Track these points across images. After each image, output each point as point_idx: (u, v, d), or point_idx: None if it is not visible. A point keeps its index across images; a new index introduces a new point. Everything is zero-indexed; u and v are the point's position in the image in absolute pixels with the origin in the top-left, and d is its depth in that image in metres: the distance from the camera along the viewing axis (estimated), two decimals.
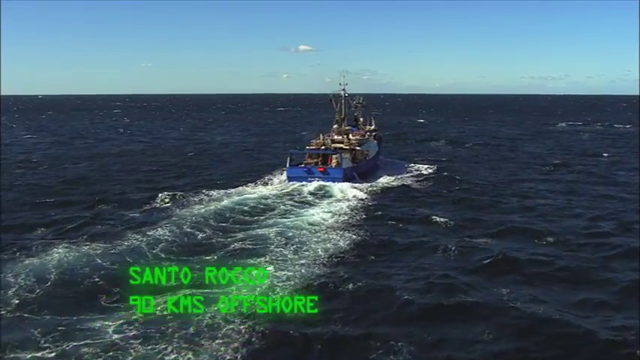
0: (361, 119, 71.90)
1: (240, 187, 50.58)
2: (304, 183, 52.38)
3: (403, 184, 53.50)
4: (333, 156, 56.62)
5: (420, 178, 57.61)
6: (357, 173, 56.75)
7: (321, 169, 54.82)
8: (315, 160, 58.23)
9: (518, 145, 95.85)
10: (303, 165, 57.10)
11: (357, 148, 61.51)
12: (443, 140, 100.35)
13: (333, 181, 52.90)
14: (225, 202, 42.68)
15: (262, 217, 37.70)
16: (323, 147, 59.49)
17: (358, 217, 38.33)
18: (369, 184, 53.57)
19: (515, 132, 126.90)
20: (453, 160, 73.21)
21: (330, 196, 46.67)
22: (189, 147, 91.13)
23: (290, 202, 43.22)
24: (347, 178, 54.19)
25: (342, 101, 65.33)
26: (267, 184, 54.15)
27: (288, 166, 55.73)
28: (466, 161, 72.54)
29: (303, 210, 40.27)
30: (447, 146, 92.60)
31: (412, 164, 68.41)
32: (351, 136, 63.56)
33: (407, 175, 60.15)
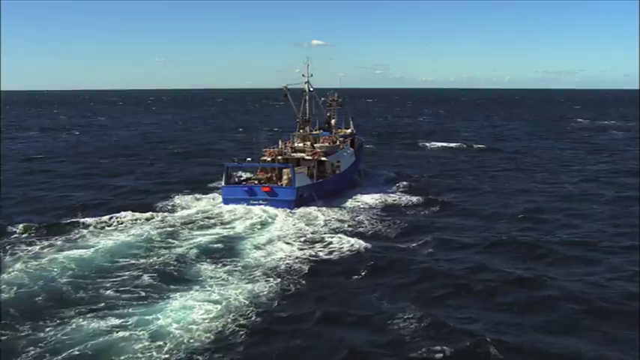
0: (333, 121, 56.19)
1: (129, 216, 35.53)
2: (245, 206, 39.33)
3: (374, 219, 37.45)
4: (284, 170, 41.97)
5: (402, 205, 42.29)
6: (319, 193, 41.91)
7: (267, 189, 40.66)
8: (270, 174, 43.53)
9: (538, 148, 79.05)
10: (244, 183, 42.61)
11: (324, 159, 46.25)
12: (444, 142, 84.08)
13: (283, 206, 39.20)
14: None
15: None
16: (279, 158, 44.50)
17: (265, 315, 21.39)
18: (328, 213, 38.28)
19: (532, 130, 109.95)
20: (452, 174, 57.39)
21: (237, 256, 28.49)
22: (122, 147, 78.62)
23: (156, 269, 25.57)
24: (301, 200, 40.16)
25: (307, 98, 49.93)
26: (179, 208, 39.94)
27: (223, 183, 41.52)
28: (468, 175, 56.57)
29: (160, 300, 22.39)
30: (447, 151, 76.35)
31: (399, 179, 53.51)
32: (317, 144, 48.21)
33: (385, 197, 44.60)
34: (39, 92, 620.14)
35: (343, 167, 48.92)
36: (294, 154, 46.41)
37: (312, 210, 38.95)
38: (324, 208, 39.51)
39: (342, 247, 29.93)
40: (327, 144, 49.15)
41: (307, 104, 50.43)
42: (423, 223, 36.43)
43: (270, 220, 36.16)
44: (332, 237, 31.61)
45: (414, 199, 43.63)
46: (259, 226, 34.54)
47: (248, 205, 40.13)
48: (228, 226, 34.28)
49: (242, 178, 44.64)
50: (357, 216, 37.84)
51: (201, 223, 34.93)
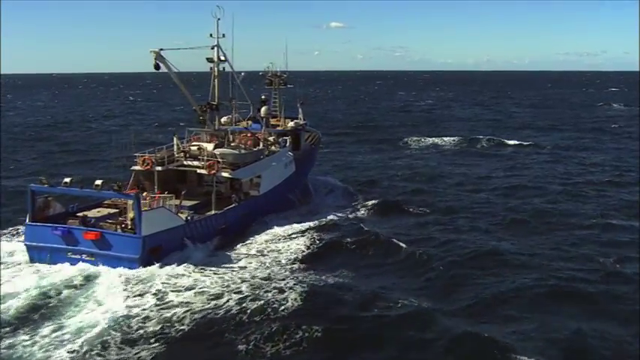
0: (264, 109, 37.30)
1: None
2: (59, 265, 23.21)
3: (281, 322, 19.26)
4: (129, 202, 24.88)
5: (345, 264, 24.86)
6: (203, 236, 25.95)
7: (93, 236, 23.35)
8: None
9: (570, 147, 58.65)
10: (67, 221, 24.97)
11: (226, 174, 28.17)
12: (437, 137, 64.16)
13: (123, 266, 23.06)
14: None
15: None
16: (159, 168, 28.25)
17: None
18: (199, 281, 22.10)
19: (554, 118, 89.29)
20: (434, 190, 38.87)
21: None
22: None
23: None
24: (159, 254, 23.78)
25: (216, 72, 31.57)
26: None
27: (28, 220, 24.65)
28: (461, 194, 37.72)
29: None
30: (437, 150, 57.22)
31: (356, 196, 36.68)
32: (222, 149, 30.02)
33: (322, 237, 27.87)
34: (46, 75, 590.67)
35: (267, 185, 31.16)
36: (189, 162, 29.51)
37: (157, 287, 21.30)
38: (193, 274, 22.49)
39: None
40: (237, 149, 30.55)
41: (216, 81, 31.95)
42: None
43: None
44: None
45: (370, 240, 26.86)
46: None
47: (64, 262, 23.24)
48: None
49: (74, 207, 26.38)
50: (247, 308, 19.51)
51: None
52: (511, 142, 59.96)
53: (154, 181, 28.10)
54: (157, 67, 28.37)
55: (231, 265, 23.77)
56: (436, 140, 62.09)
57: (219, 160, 29.09)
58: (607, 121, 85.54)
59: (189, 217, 26.06)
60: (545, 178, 42.81)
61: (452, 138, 62.71)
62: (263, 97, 38.97)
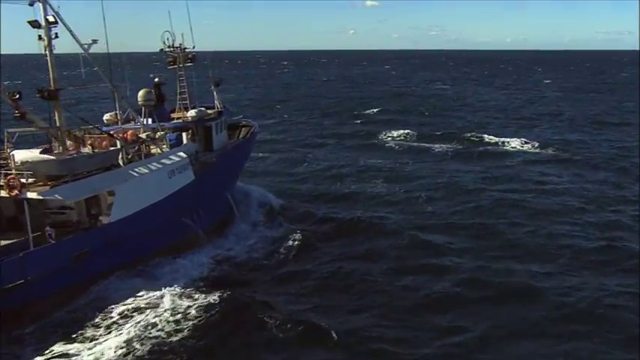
0: (140, 95, 26.32)
1: None
2: None
3: None
4: None
5: None
6: None
7: None
8: None
9: (609, 161, 41.06)
10: None
11: (33, 195, 18.60)
12: (430, 136, 49.75)
13: None
14: None
15: None
16: None
17: None
18: None
19: (592, 108, 73.54)
20: (378, 240, 25.19)
21: None
22: None
23: None
24: None
25: (46, 41, 21.10)
26: None
27: None
28: (409, 256, 23.39)
29: None
30: (416, 158, 42.10)
31: (281, 235, 26.31)
32: (30, 154, 20.04)
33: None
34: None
35: (129, 206, 21.40)
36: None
37: None
38: None
39: None
40: (58, 154, 20.23)
41: (49, 56, 21.61)
42: None
43: None
44: None
45: None
46: None
47: None
48: None
49: None
50: None
51: None
52: (523, 147, 45.19)
53: None
54: None
55: None
56: (422, 140, 48.06)
57: (26, 172, 18.97)
58: None
59: None
60: (563, 219, 27.74)
61: (446, 136, 48.91)
62: (157, 79, 28.53)
